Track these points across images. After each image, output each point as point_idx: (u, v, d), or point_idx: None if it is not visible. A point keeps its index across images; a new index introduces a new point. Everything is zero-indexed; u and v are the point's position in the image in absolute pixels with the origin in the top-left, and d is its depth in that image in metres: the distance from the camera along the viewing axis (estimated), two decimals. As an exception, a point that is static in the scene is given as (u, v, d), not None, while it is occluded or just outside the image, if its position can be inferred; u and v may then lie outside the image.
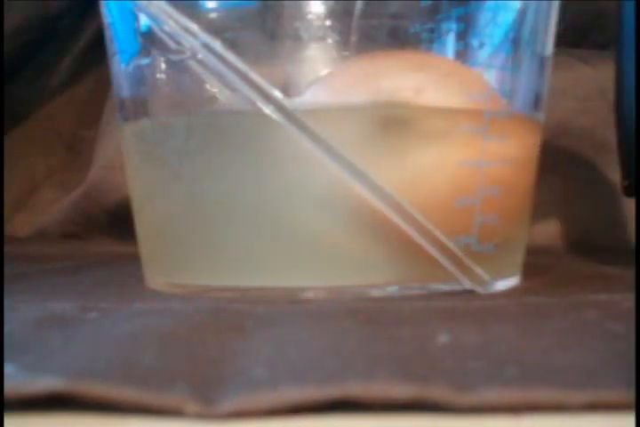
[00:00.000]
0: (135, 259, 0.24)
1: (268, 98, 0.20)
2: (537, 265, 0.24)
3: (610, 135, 0.42)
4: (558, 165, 0.41)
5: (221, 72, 0.20)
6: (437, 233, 0.20)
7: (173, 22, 0.20)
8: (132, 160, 0.24)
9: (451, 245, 0.21)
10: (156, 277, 0.24)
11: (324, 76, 0.23)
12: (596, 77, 0.42)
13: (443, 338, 0.13)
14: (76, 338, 0.13)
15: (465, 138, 0.21)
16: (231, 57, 0.20)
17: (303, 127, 0.20)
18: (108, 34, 0.23)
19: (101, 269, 0.29)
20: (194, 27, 0.20)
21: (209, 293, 0.21)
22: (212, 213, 0.22)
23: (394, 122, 0.21)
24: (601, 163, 0.41)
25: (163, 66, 0.22)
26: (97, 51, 0.26)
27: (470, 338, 0.13)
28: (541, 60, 0.24)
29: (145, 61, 0.22)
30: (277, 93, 0.20)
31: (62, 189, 0.49)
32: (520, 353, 0.12)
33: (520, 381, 0.11)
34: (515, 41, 0.23)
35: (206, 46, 0.20)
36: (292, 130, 0.20)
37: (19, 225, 0.48)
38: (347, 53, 0.23)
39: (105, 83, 0.29)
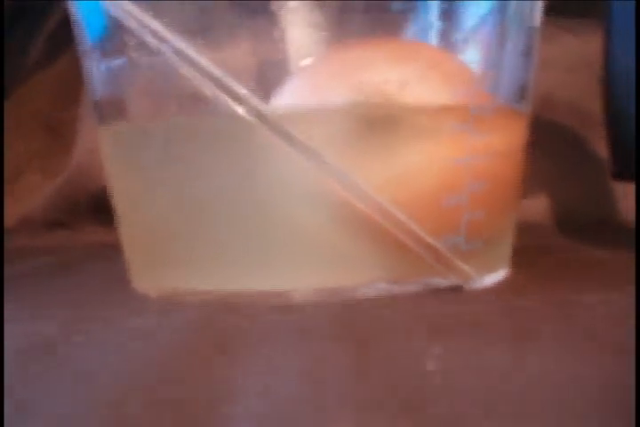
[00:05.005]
0: (122, 250, 0.24)
1: (245, 103, 0.19)
2: (525, 249, 0.24)
3: (596, 108, 0.41)
4: (543, 139, 0.40)
5: (194, 77, 0.19)
6: (423, 234, 0.20)
7: (142, 26, 0.19)
8: (111, 163, 0.23)
9: (438, 245, 0.20)
10: (142, 281, 0.23)
11: (305, 67, 0.22)
12: (581, 47, 0.41)
13: (431, 366, 0.13)
14: (58, 374, 0.13)
15: (451, 135, 0.20)
16: (204, 62, 0.19)
17: (281, 131, 0.19)
18: (77, 31, 0.22)
19: (87, 267, 0.29)
20: (165, 32, 0.19)
21: (196, 296, 0.21)
22: (196, 216, 0.21)
23: (376, 122, 0.20)
24: (587, 136, 0.40)
25: (136, 67, 0.21)
26: (70, 28, 0.25)
27: (463, 371, 0.13)
28: (527, 44, 0.23)
29: (117, 62, 0.21)
30: (254, 99, 0.19)
31: (45, 175, 0.48)
32: (512, 387, 0.12)
33: (513, 419, 0.10)
34: (500, 16, 0.22)
35: (178, 52, 0.19)
36: (271, 134, 0.19)
37: (5, 214, 0.47)
38: (325, 34, 0.22)
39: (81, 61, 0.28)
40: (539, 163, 0.40)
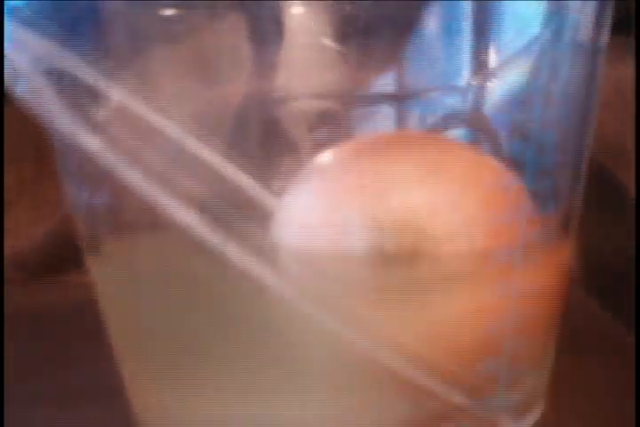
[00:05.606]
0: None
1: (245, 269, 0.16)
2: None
3: (628, 141, 0.38)
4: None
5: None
6: (454, 397, 0.18)
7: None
8: (102, 294, 0.21)
9: (469, 404, 0.18)
10: (138, 405, 0.21)
11: (315, 173, 0.19)
12: (612, 75, 0.38)
13: None
14: None
15: (489, 287, 0.17)
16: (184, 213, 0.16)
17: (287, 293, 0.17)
18: (57, 161, 0.20)
19: (73, 363, 0.26)
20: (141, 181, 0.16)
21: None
22: (192, 352, 0.19)
23: (399, 269, 0.17)
24: (618, 171, 0.37)
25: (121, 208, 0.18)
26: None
27: None
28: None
29: (99, 200, 0.18)
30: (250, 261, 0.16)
31: (35, 207, 0.45)
32: None
33: None
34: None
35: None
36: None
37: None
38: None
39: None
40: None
